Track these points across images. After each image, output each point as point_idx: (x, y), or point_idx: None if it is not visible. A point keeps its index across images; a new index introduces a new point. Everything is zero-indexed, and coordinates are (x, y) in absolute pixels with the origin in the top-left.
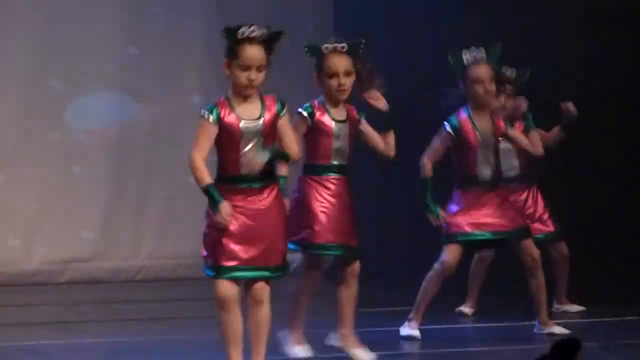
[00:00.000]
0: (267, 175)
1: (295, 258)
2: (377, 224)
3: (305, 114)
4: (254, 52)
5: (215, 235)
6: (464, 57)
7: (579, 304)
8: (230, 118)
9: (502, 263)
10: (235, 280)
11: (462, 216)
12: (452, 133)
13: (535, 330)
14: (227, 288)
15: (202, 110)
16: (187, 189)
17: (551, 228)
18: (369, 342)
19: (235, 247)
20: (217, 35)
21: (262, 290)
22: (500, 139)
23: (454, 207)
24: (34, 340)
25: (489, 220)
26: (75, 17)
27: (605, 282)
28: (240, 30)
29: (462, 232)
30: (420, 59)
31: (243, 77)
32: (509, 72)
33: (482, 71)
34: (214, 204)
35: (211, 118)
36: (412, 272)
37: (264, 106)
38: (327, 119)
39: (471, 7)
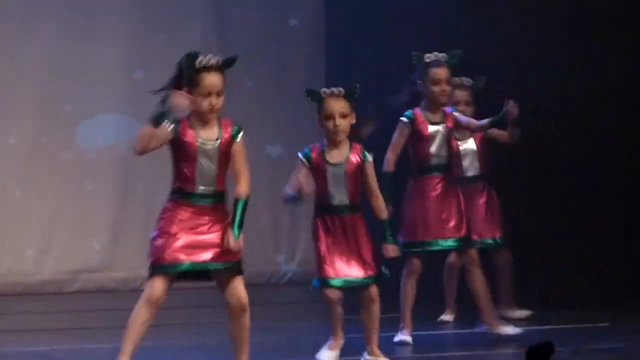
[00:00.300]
0: (219, 195)
1: (289, 269)
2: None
3: (303, 159)
4: (212, 79)
5: (161, 238)
6: (425, 58)
7: (555, 309)
8: (188, 137)
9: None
10: (169, 279)
11: (418, 223)
12: (409, 124)
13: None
14: (159, 286)
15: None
16: None
17: (500, 234)
18: (360, 348)
19: (178, 249)
20: None
21: (246, 298)
22: (457, 140)
23: (408, 211)
24: (46, 346)
25: (439, 227)
26: (85, 45)
27: (577, 288)
28: (198, 60)
29: (418, 242)
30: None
31: (205, 103)
32: (465, 81)
33: (441, 72)
34: (163, 113)
35: (170, 126)
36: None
37: (220, 128)
38: (322, 162)
39: (471, 7)
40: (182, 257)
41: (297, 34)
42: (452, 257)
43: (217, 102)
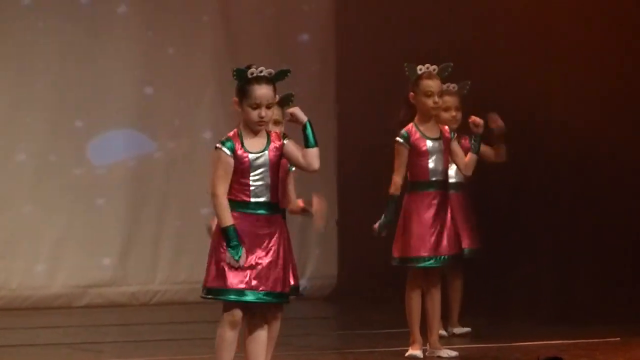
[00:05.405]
0: (274, 206)
1: (300, 284)
2: (372, 249)
3: (227, 150)
4: (263, 91)
5: (221, 261)
6: (418, 69)
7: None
8: (240, 151)
9: (491, 287)
10: (242, 304)
11: (415, 239)
12: (405, 144)
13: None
14: (234, 311)
15: (218, 144)
16: (200, 219)
17: (478, 244)
18: None
19: (243, 272)
20: (227, 75)
21: (264, 315)
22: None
23: (405, 227)
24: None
25: (439, 242)
26: (95, 61)
27: (588, 302)
28: (250, 71)
29: (417, 257)
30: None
31: (254, 114)
32: (452, 87)
33: (433, 84)
34: (230, 244)
35: (227, 151)
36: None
37: (269, 140)
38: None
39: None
40: (244, 286)
41: (307, 49)
42: (450, 273)
43: (267, 114)
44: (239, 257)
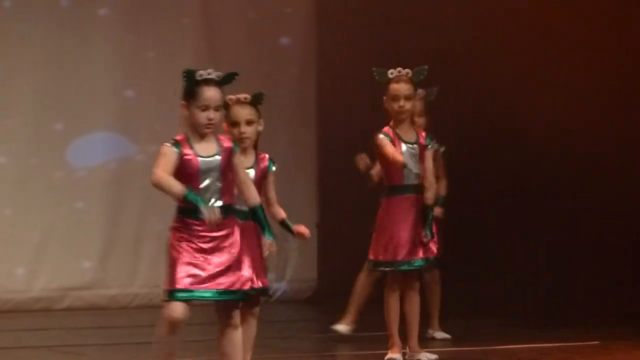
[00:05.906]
0: (227, 208)
1: (279, 287)
2: (352, 250)
3: (174, 149)
4: (211, 93)
5: (175, 262)
6: (389, 73)
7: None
8: (189, 155)
9: (473, 290)
10: (187, 302)
11: (394, 242)
12: (388, 139)
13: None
14: (177, 310)
15: (166, 143)
16: None
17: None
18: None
19: (194, 271)
20: None
21: (236, 315)
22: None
23: (383, 231)
24: None
25: (416, 245)
26: (76, 64)
27: (569, 306)
28: (198, 73)
29: (392, 261)
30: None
31: (203, 116)
32: (419, 92)
33: (400, 88)
34: (198, 204)
35: (175, 149)
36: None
37: (219, 144)
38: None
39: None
40: (195, 285)
41: (288, 52)
42: (427, 274)
43: (215, 116)
44: (213, 207)
